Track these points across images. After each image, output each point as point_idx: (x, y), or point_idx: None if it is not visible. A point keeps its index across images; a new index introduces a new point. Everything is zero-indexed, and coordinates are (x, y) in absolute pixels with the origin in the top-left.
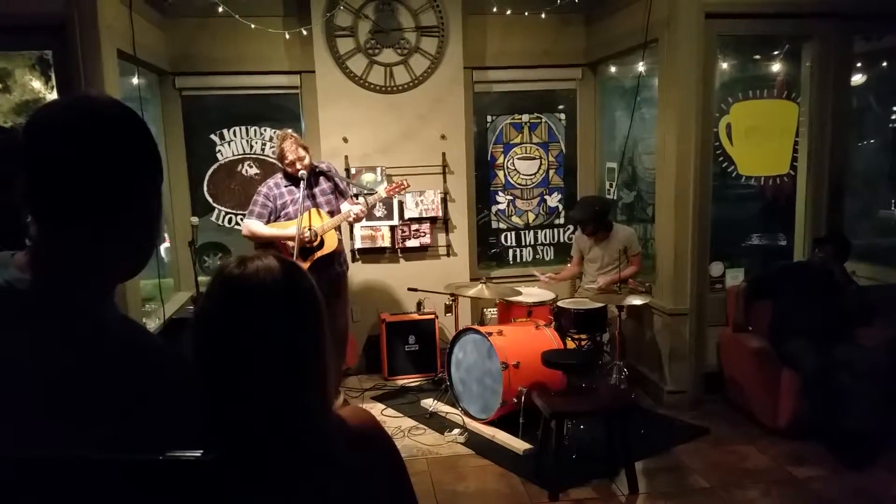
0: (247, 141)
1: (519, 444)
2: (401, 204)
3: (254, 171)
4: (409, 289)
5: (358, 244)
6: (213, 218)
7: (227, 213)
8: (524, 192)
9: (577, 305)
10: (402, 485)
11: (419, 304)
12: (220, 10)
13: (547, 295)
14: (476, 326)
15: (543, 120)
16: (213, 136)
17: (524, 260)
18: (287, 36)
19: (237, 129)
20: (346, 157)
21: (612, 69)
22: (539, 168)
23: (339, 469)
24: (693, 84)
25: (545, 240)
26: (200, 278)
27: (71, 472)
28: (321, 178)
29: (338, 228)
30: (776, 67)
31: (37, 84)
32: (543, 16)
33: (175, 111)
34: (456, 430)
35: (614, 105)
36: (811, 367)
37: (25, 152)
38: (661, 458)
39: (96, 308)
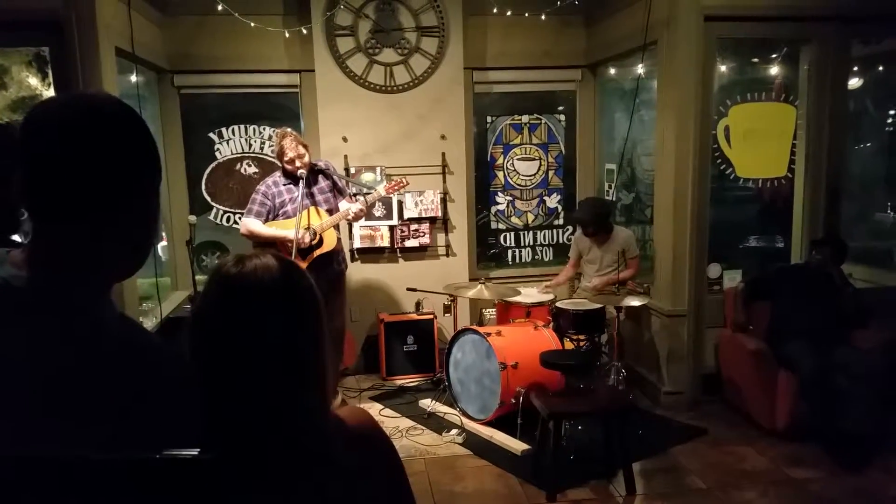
0: (245, 140)
1: (517, 445)
2: (400, 204)
3: (252, 169)
4: (408, 289)
5: (357, 244)
6: (211, 217)
7: (225, 212)
8: (523, 193)
9: (575, 306)
10: (401, 485)
11: (418, 305)
12: (220, 8)
13: (546, 296)
14: (475, 327)
15: (543, 121)
16: (211, 135)
17: (523, 260)
18: (287, 35)
19: (236, 127)
20: (346, 157)
21: (612, 71)
22: (538, 169)
23: (337, 469)
24: (692, 86)
25: (544, 241)
26: (198, 277)
27: (68, 470)
28: (320, 177)
29: (337, 227)
30: (774, 70)
31: (33, 81)
32: (543, 17)
33: (173, 109)
34: (454, 431)
35: (614, 106)
36: (808, 369)
37: (23, 149)
38: (658, 458)
39: (94, 306)
